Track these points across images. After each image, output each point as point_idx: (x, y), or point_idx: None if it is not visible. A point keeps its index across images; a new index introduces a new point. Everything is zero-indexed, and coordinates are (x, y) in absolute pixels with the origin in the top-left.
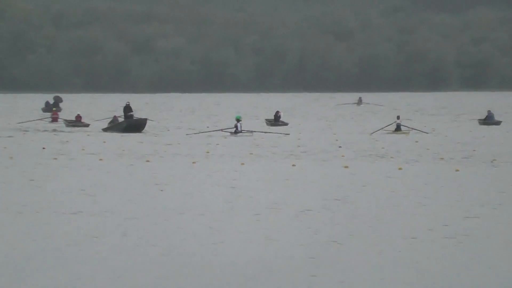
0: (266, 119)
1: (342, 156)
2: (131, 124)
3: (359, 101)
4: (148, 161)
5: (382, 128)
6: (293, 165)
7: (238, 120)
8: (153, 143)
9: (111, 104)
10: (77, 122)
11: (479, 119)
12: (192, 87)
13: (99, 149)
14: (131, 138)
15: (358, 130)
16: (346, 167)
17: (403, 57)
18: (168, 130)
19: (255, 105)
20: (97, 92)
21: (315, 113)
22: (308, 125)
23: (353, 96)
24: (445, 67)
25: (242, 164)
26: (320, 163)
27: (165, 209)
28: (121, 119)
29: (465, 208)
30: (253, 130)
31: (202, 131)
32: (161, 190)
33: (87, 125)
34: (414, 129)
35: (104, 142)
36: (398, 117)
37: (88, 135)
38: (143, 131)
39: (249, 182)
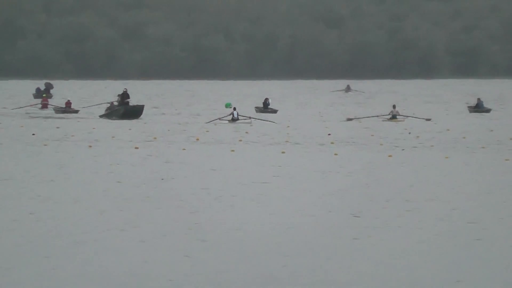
0: (255, 107)
1: (332, 143)
2: (128, 110)
3: (347, 88)
4: (137, 148)
5: (377, 116)
6: (283, 152)
7: (228, 107)
8: (143, 131)
9: (100, 90)
10: (67, 108)
11: (469, 107)
12: (182, 73)
13: (90, 136)
14: (123, 124)
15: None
16: (336, 154)
17: (394, 44)
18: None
19: (246, 92)
20: (88, 78)
21: (304, 100)
22: (299, 112)
23: (344, 83)
24: (436, 54)
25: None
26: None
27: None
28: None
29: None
30: (250, 116)
31: (212, 119)
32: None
33: (76, 111)
34: (412, 117)
35: (94, 128)
36: (394, 106)
37: (78, 121)
38: (140, 117)
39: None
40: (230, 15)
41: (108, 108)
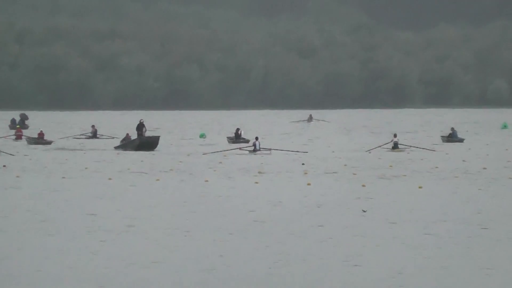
0: (227, 137)
1: (305, 173)
2: (143, 142)
3: (310, 118)
4: (109, 179)
5: (380, 146)
6: (256, 183)
7: (202, 137)
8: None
9: (74, 122)
10: (40, 139)
11: (442, 136)
12: (155, 104)
13: (64, 167)
14: (97, 156)
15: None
16: (309, 184)
17: (367, 74)
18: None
19: (219, 122)
20: (61, 109)
21: (269, 130)
22: (273, 142)
23: (318, 113)
24: (409, 84)
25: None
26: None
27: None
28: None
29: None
30: (271, 148)
31: (218, 150)
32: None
33: (49, 142)
34: (414, 146)
35: (66, 159)
36: (395, 135)
37: (47, 151)
38: (156, 149)
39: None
40: (204, 45)
41: (123, 139)
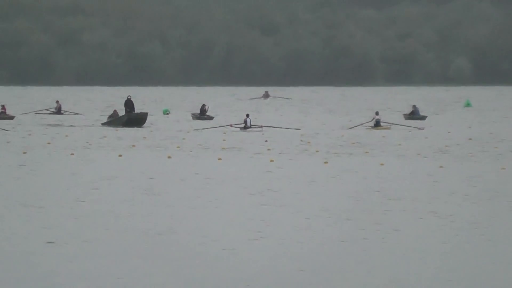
0: (192, 114)
1: (268, 149)
2: (131, 118)
3: (266, 95)
4: (72, 154)
5: (361, 124)
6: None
7: (165, 113)
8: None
9: (36, 98)
10: (2, 113)
11: (404, 114)
12: (118, 80)
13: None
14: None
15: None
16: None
17: (329, 51)
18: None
19: (183, 98)
20: (22, 84)
21: (229, 107)
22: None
23: (282, 90)
24: (371, 62)
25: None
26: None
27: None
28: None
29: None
30: (262, 125)
31: (209, 126)
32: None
33: (12, 117)
34: (395, 124)
35: (30, 135)
36: (377, 113)
37: (14, 127)
38: (144, 125)
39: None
40: (166, 21)
41: (110, 116)
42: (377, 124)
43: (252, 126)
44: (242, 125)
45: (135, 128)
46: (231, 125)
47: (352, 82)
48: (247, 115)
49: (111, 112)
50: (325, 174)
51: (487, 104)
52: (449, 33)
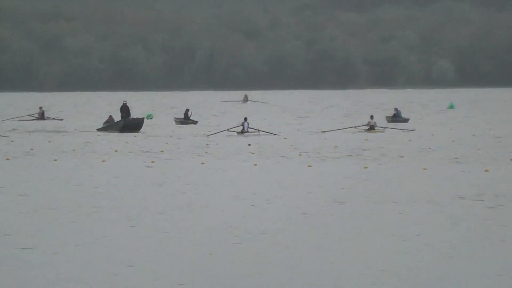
0: (175, 118)
1: (252, 153)
2: (128, 123)
3: (245, 99)
4: (55, 160)
5: (355, 126)
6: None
7: (149, 118)
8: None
9: (19, 104)
10: None
11: (387, 117)
12: (101, 85)
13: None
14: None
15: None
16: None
17: (312, 55)
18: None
19: (165, 103)
20: (4, 90)
21: (209, 110)
22: (224, 122)
23: (263, 94)
24: (354, 65)
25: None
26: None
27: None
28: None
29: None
30: (259, 129)
31: (209, 133)
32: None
33: None
34: (392, 128)
35: (12, 141)
36: (371, 117)
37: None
38: (140, 130)
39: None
40: (149, 26)
41: (106, 121)
42: (371, 128)
43: (249, 131)
44: (240, 129)
45: (132, 133)
46: (228, 130)
47: (335, 85)
48: (245, 119)
49: (107, 117)
50: (309, 177)
51: (470, 106)
52: (431, 35)
